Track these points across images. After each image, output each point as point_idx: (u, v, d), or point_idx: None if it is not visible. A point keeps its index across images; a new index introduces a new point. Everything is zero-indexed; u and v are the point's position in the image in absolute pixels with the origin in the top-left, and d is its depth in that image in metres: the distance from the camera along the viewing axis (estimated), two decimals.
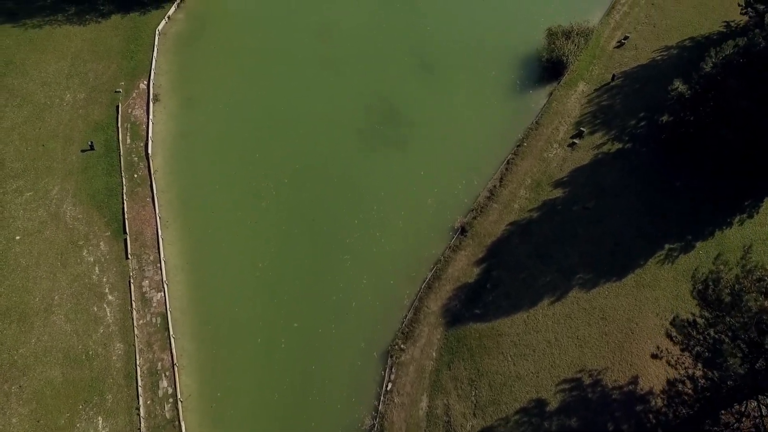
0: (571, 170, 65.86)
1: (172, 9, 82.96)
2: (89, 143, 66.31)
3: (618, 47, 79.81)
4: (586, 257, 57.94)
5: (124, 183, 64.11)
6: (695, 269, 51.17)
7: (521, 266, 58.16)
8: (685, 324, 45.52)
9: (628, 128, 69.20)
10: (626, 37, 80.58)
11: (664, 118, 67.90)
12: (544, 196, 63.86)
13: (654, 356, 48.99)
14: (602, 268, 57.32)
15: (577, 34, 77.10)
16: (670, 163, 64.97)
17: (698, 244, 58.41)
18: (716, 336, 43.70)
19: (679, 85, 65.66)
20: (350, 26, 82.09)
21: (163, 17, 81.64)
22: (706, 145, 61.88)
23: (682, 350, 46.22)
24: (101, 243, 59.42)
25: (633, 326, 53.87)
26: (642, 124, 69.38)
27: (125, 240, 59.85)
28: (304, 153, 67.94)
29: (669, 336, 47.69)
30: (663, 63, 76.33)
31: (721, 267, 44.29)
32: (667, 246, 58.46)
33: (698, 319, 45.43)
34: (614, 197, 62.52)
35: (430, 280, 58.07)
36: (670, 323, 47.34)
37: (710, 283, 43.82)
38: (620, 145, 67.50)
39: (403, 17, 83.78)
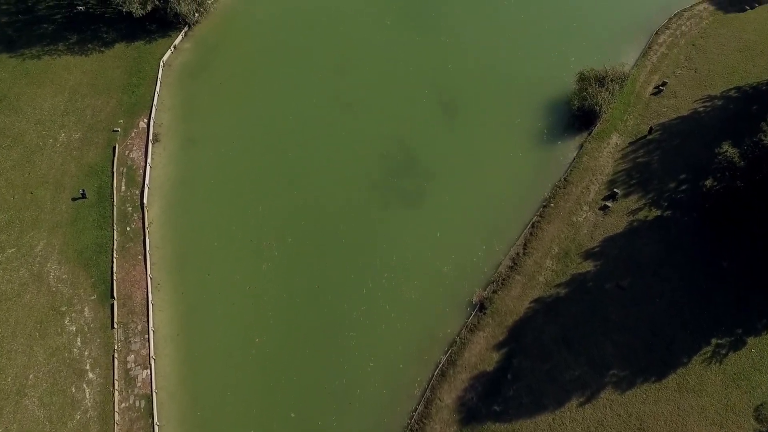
0: (603, 239, 58.10)
1: (179, 38, 76.03)
2: (81, 191, 59.72)
3: (655, 94, 71.60)
4: (621, 348, 50.32)
5: (115, 237, 57.49)
6: (758, 407, 43.34)
7: (546, 354, 50.70)
8: None
9: (667, 192, 61.18)
10: (664, 83, 72.33)
11: (708, 182, 59.80)
12: (573, 268, 56.23)
13: None
14: (639, 363, 49.69)
15: (611, 80, 68.92)
16: (716, 237, 56.97)
17: (749, 341, 50.56)
18: None
19: (728, 149, 57.55)
20: (369, 62, 74.61)
21: (169, 47, 74.75)
22: (758, 220, 53.78)
23: None
24: (86, 309, 52.86)
25: None
26: (683, 187, 61.34)
27: (112, 305, 53.27)
28: (312, 207, 60.85)
29: None
30: (706, 115, 68.02)
31: None
32: (714, 341, 50.65)
33: None
34: (652, 276, 54.71)
35: (444, 365, 50.86)
36: None
37: None
38: (658, 212, 59.54)
39: (423, 52, 76.08)
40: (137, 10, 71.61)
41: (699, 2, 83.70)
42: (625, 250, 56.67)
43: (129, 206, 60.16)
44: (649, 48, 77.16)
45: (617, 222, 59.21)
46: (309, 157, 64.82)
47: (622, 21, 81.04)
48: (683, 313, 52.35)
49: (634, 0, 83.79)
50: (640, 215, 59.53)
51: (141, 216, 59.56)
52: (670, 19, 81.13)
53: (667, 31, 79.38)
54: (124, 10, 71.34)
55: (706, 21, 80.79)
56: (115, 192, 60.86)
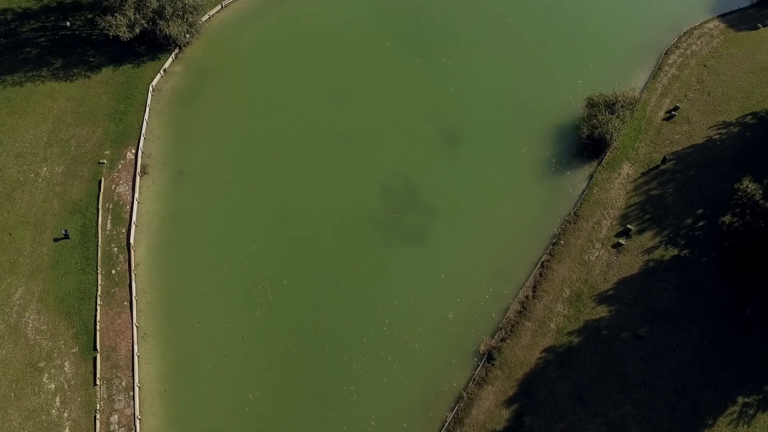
0: (617, 281, 53.80)
1: (169, 61, 71.39)
2: (63, 231, 55.16)
3: (667, 119, 67.26)
4: (641, 408, 46.03)
5: (99, 282, 53.01)
6: None
7: (560, 413, 46.41)
8: None
9: (684, 229, 56.87)
10: (676, 107, 67.98)
11: (727, 219, 55.50)
12: (586, 314, 51.93)
13: None
14: (662, 425, 45.38)
15: (621, 106, 64.49)
16: (738, 281, 52.75)
17: None
18: None
19: (748, 185, 53.37)
20: (367, 86, 70.09)
21: (159, 70, 70.11)
22: None
23: None
24: (66, 363, 48.40)
25: None
26: (700, 224, 57.04)
27: (95, 359, 48.81)
28: (309, 246, 56.42)
29: None
30: (722, 144, 63.70)
31: None
32: (740, 399, 46.42)
33: None
34: (671, 325, 50.42)
35: (450, 424, 46.55)
36: None
37: None
38: (675, 251, 55.24)
39: (424, 75, 71.63)
40: (125, 34, 66.99)
41: (709, 20, 79.45)
42: (642, 295, 52.35)
43: (115, 246, 55.64)
44: (659, 69, 72.81)
45: (632, 262, 54.89)
46: (305, 191, 60.38)
47: (629, 40, 76.72)
48: (707, 367, 48.06)
49: (642, 18, 79.49)
50: (656, 254, 55.20)
51: (127, 257, 55.07)
52: (680, 37, 76.85)
53: (677, 50, 75.05)
54: (111, 34, 66.64)
55: (717, 40, 76.47)
56: (100, 231, 56.34)
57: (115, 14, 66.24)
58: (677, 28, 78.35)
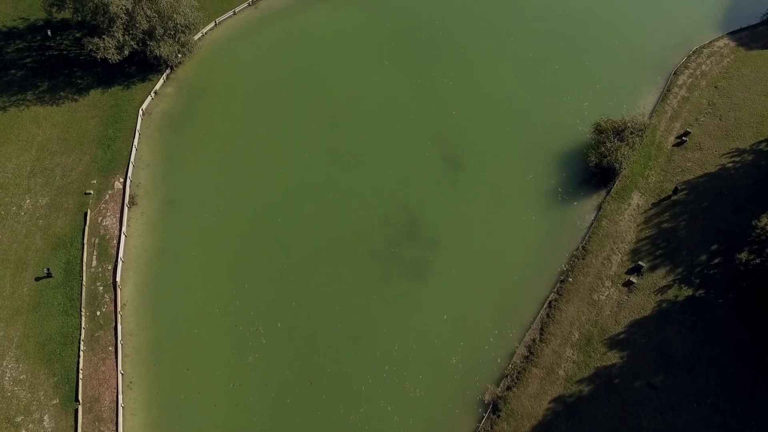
0: (629, 323, 50.28)
1: (160, 82, 67.59)
2: (45, 270, 51.52)
3: (678, 145, 63.66)
4: None
5: (83, 325, 49.40)
6: None
7: None
8: None
9: (698, 266, 53.35)
10: (687, 132, 64.35)
11: (744, 256, 52.03)
12: (597, 360, 48.42)
13: None
14: None
15: (630, 132, 60.82)
16: (757, 324, 49.24)
17: None
18: None
19: (767, 222, 49.71)
20: (365, 109, 66.41)
21: (150, 92, 66.36)
22: None
23: None
24: (45, 417, 44.82)
25: None
26: (715, 261, 53.51)
27: (76, 411, 45.23)
28: (304, 284, 52.87)
29: None
30: (735, 172, 60.11)
31: None
32: None
33: None
34: (687, 372, 46.93)
35: None
36: None
37: None
38: (689, 291, 51.71)
39: (425, 97, 67.93)
40: (113, 57, 63.10)
41: (718, 38, 75.68)
42: (655, 339, 48.85)
43: (100, 285, 52.02)
44: (668, 90, 69.13)
45: (644, 302, 51.36)
46: (300, 223, 56.78)
47: (637, 59, 72.99)
48: (726, 420, 44.62)
49: (649, 36, 75.71)
50: (669, 294, 51.69)
51: (113, 297, 51.46)
52: (689, 56, 73.11)
53: (687, 70, 71.36)
54: (98, 57, 62.79)
55: (728, 59, 72.78)
56: (84, 268, 52.71)
57: (103, 36, 62.32)
58: (686, 46, 74.59)
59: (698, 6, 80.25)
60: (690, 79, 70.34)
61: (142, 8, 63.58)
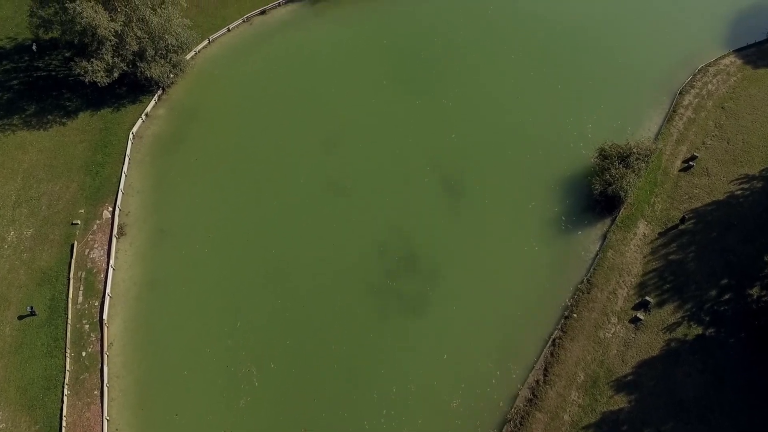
0: (636, 363, 47.61)
1: (151, 103, 64.78)
2: (29, 308, 48.79)
3: (684, 170, 60.89)
4: None
5: (67, 367, 46.67)
6: None
7: None
8: None
9: (708, 302, 50.65)
10: (694, 157, 61.59)
11: (755, 292, 49.39)
12: (603, 403, 45.75)
13: None
14: None
15: (636, 159, 58.03)
16: None
17: None
18: None
19: None
20: (362, 133, 63.61)
21: (141, 114, 63.54)
22: None
23: None
24: None
25: None
26: (726, 296, 50.80)
27: None
28: (299, 322, 50.16)
29: None
30: (745, 201, 57.36)
31: None
32: None
33: None
34: (698, 420, 44.27)
35: None
36: None
37: None
38: (699, 330, 49.02)
39: (424, 119, 65.13)
40: (102, 80, 60.26)
41: (724, 55, 72.82)
42: (664, 382, 46.19)
43: (86, 323, 49.29)
44: (674, 111, 66.32)
45: (652, 341, 48.68)
46: (295, 255, 54.05)
47: (641, 78, 70.14)
48: None
49: (653, 54, 72.81)
50: (678, 333, 49.00)
51: (99, 336, 48.75)
52: (695, 75, 70.27)
53: (692, 90, 68.53)
54: (87, 80, 59.91)
55: (735, 78, 69.96)
56: (70, 305, 49.96)
57: (91, 60, 59.39)
58: (691, 64, 71.72)
59: (703, 22, 77.38)
60: (696, 100, 67.53)
61: (132, 29, 60.71)
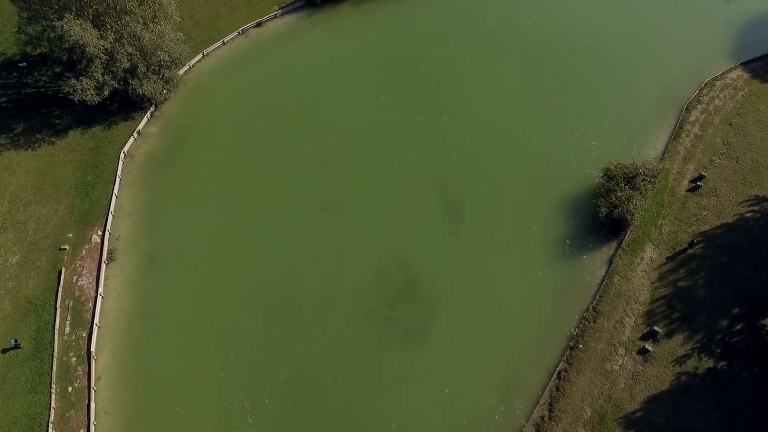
0: (645, 398, 45.28)
1: (144, 121, 62.38)
2: (13, 341, 46.45)
3: (692, 190, 58.51)
4: None
5: (52, 404, 44.32)
6: None
7: None
8: None
9: (719, 333, 48.31)
10: (701, 176, 59.20)
11: (767, 322, 47.07)
12: None
13: None
14: None
15: (642, 179, 55.65)
16: None
17: None
18: None
19: None
20: (360, 152, 61.22)
21: (132, 132, 61.13)
22: None
23: None
24: None
25: None
26: (737, 327, 48.46)
27: None
28: (295, 355, 47.77)
29: None
30: (755, 224, 55.00)
31: None
32: None
33: None
34: None
35: None
36: None
37: None
38: (710, 363, 46.69)
39: (423, 137, 62.71)
40: (92, 98, 57.93)
41: (731, 69, 70.39)
42: (674, 418, 43.87)
43: (73, 356, 46.94)
44: (680, 128, 63.93)
45: (661, 374, 46.34)
46: (290, 283, 51.65)
47: (646, 93, 67.76)
48: None
49: (659, 68, 70.42)
50: (689, 366, 46.67)
51: (87, 370, 46.38)
52: (701, 89, 67.89)
53: (699, 105, 66.13)
54: (76, 99, 57.48)
55: (742, 93, 67.56)
56: (57, 336, 47.61)
57: (81, 78, 56.93)
58: (697, 78, 69.31)
59: (708, 34, 74.97)
60: (703, 115, 65.14)
61: (123, 46, 58.24)
